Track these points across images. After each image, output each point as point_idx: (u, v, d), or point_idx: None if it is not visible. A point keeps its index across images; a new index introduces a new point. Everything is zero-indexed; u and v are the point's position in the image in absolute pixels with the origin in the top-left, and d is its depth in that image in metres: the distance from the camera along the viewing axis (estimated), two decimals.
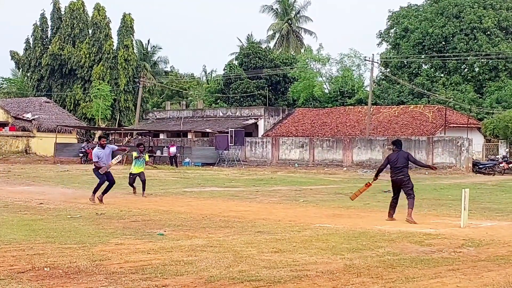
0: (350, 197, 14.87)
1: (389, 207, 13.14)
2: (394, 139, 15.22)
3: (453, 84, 53.05)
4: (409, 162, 13.10)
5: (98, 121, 58.11)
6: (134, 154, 18.85)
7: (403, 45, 56.07)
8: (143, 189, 18.27)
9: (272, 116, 52.39)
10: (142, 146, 19.41)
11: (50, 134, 49.90)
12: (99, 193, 16.12)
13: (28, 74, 65.88)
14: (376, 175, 13.54)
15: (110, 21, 61.83)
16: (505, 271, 7.68)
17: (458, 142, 38.13)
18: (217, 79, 68.53)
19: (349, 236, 10.35)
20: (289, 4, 77.21)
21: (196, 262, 7.88)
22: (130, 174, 18.84)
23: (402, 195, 13.11)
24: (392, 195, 13.24)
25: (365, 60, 48.67)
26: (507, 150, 42.36)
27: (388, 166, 13.19)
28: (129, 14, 61.54)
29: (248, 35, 75.85)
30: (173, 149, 42.32)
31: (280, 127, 50.65)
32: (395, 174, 12.93)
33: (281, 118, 52.51)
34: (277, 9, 77.63)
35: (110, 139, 57.32)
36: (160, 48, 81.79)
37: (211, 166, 43.22)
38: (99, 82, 58.15)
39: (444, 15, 54.66)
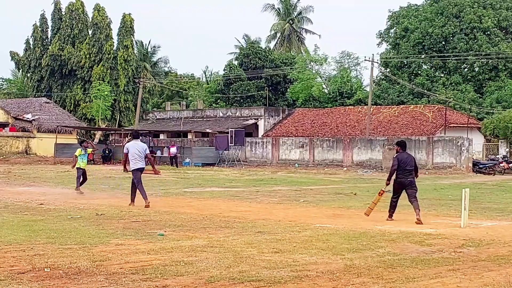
0: (365, 213, 13.10)
1: (390, 207, 13.09)
2: (396, 139, 14.69)
3: (453, 84, 53.05)
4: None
5: (98, 121, 58.09)
6: (78, 152, 20.20)
7: (403, 45, 56.06)
8: (81, 184, 19.57)
9: (272, 116, 52.40)
10: (86, 142, 20.85)
11: (50, 135, 49.91)
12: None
13: (28, 75, 65.82)
14: (389, 179, 12.99)
15: (111, 21, 61.82)
16: (506, 271, 7.68)
17: (458, 142, 38.13)
18: (217, 79, 68.54)
19: (349, 236, 10.35)
20: (291, 4, 77.32)
21: (197, 262, 7.88)
22: (78, 168, 19.93)
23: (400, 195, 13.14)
24: (393, 196, 13.12)
25: (364, 60, 48.64)
26: (507, 150, 42.36)
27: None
28: (129, 14, 61.48)
29: (245, 35, 75.92)
30: (173, 150, 42.38)
31: (280, 127, 50.66)
32: (405, 176, 12.83)
33: (281, 118, 52.52)
34: (279, 9, 77.75)
35: (110, 139, 57.37)
36: (159, 47, 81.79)
37: (211, 167, 43.22)
38: (99, 82, 58.12)
39: (444, 15, 54.67)
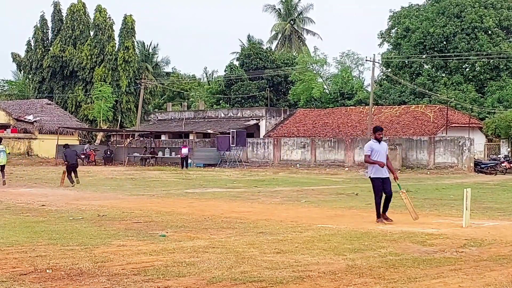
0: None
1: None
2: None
3: (454, 84, 53.03)
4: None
5: (100, 122, 58.13)
6: None
7: (404, 45, 56.05)
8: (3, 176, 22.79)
9: (273, 117, 52.41)
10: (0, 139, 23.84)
11: (51, 136, 49.97)
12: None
13: (30, 76, 65.86)
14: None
15: (113, 22, 61.84)
16: (508, 271, 7.67)
17: (459, 141, 38.11)
18: (218, 80, 68.57)
19: (351, 237, 10.34)
20: (292, 5, 77.33)
21: (198, 263, 7.88)
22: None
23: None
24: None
25: (366, 60, 48.65)
26: (509, 149, 42.31)
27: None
28: (130, 15, 61.51)
29: (249, 35, 75.98)
30: (185, 150, 41.85)
31: (281, 128, 50.66)
32: (74, 162, 23.67)
33: (282, 119, 52.52)
34: (280, 10, 77.79)
35: (112, 140, 57.39)
36: (159, 48, 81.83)
37: (212, 167, 43.23)
38: (101, 83, 58.17)
39: (445, 14, 54.65)
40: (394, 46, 58.66)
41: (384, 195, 12.43)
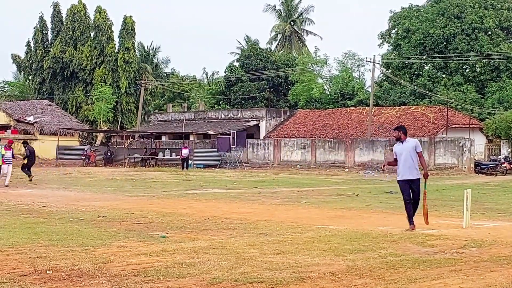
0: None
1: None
2: None
3: (454, 85, 53.03)
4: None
5: (100, 123, 58.14)
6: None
7: (404, 45, 56.05)
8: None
9: (273, 118, 52.41)
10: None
11: (52, 137, 49.95)
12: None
13: (30, 77, 65.90)
14: (26, 163, 25.66)
15: (112, 23, 61.88)
16: (508, 272, 7.67)
17: (460, 142, 38.10)
18: (218, 81, 68.60)
19: (351, 238, 10.34)
20: (292, 6, 77.38)
21: (199, 264, 7.88)
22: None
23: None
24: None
25: (366, 61, 48.66)
26: (509, 150, 42.30)
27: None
28: (130, 16, 61.55)
29: (246, 36, 75.98)
30: (185, 151, 41.68)
31: (282, 129, 50.66)
32: (35, 162, 25.80)
33: (282, 120, 52.52)
34: (280, 10, 77.80)
35: (112, 141, 57.40)
36: (159, 48, 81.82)
37: (213, 168, 43.23)
38: (101, 84, 58.19)
39: (445, 15, 54.66)
40: (394, 47, 58.67)
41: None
